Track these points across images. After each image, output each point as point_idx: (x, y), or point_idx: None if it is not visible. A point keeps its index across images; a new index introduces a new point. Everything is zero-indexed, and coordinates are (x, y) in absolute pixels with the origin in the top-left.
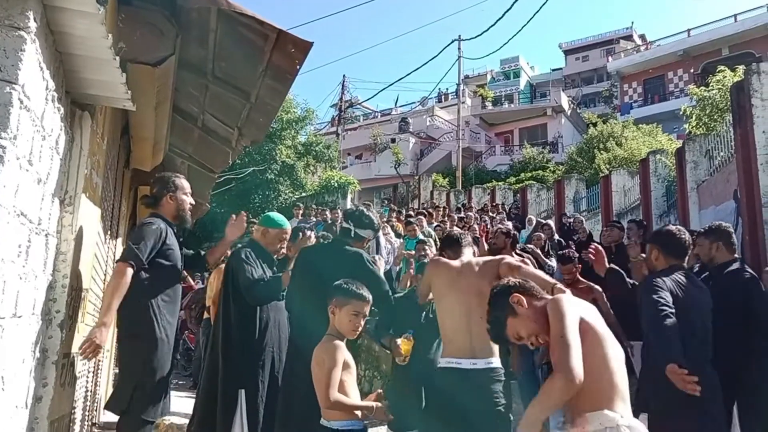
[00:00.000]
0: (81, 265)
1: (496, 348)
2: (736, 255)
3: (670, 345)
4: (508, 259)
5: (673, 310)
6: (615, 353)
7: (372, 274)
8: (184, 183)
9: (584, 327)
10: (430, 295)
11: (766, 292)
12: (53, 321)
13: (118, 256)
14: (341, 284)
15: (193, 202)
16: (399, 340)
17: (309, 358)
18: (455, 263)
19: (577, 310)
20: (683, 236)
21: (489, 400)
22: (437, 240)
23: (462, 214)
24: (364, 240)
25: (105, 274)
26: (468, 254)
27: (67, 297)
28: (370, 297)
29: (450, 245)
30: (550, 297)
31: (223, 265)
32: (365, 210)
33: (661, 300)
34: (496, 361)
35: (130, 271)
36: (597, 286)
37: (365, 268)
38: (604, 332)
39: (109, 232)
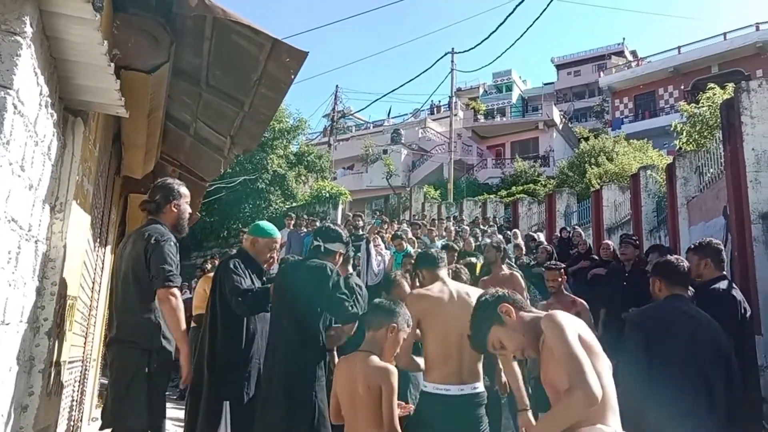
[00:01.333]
0: (70, 273)
1: (481, 370)
2: (723, 272)
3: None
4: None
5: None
6: (605, 366)
7: (333, 288)
8: (186, 191)
9: (582, 342)
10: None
11: (742, 315)
12: (41, 329)
13: (110, 265)
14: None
15: (191, 211)
16: None
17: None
18: (437, 293)
19: (575, 326)
20: (682, 264)
21: (475, 425)
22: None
23: (458, 227)
24: (334, 254)
25: (93, 282)
26: (445, 276)
27: (56, 305)
28: None
29: (426, 264)
30: (542, 313)
31: (211, 274)
32: (332, 225)
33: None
34: (480, 386)
35: (178, 292)
36: (581, 300)
37: (326, 282)
38: (596, 346)
39: (98, 240)
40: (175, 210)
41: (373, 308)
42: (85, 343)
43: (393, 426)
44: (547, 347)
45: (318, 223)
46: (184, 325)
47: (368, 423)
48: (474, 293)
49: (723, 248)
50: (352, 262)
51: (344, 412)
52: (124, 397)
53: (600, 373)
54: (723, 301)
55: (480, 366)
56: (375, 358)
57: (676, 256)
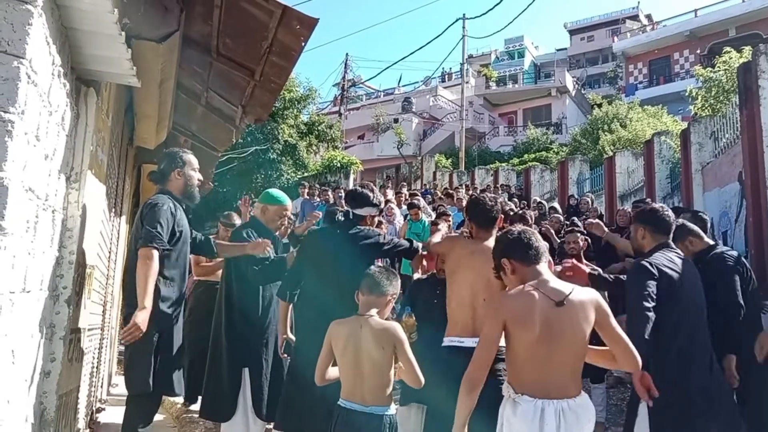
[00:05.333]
0: (87, 242)
1: None
2: (710, 241)
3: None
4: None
5: (653, 305)
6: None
7: (379, 247)
8: (191, 158)
9: (508, 329)
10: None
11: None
12: (60, 297)
13: (125, 234)
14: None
15: (201, 178)
16: (404, 318)
17: (320, 342)
18: (471, 242)
19: (509, 313)
20: (667, 212)
21: (490, 377)
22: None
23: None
24: (364, 218)
25: (110, 252)
26: (491, 237)
27: (74, 273)
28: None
29: (485, 224)
30: (540, 266)
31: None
32: (359, 189)
33: (645, 293)
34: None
35: (156, 254)
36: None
37: (369, 246)
38: (529, 332)
39: (113, 210)
40: (180, 177)
41: (377, 274)
42: (104, 311)
43: (417, 374)
44: None
45: (330, 193)
46: (152, 284)
47: (378, 383)
48: (582, 293)
49: (735, 216)
50: None
51: (345, 375)
52: (129, 364)
53: (519, 361)
54: (730, 269)
55: None
56: (379, 320)
57: (660, 204)
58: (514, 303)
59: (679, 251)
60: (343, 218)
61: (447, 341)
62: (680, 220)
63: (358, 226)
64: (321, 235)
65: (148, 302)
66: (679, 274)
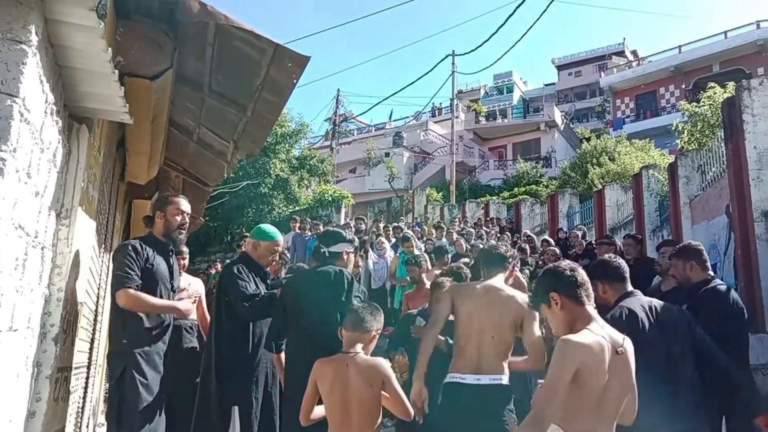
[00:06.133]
0: (76, 279)
1: (505, 366)
2: (710, 272)
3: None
4: (533, 313)
5: None
6: (597, 400)
7: (349, 293)
8: (177, 200)
9: (578, 377)
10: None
11: (739, 309)
12: (48, 335)
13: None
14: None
15: (186, 221)
16: (397, 355)
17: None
18: (480, 287)
19: (580, 358)
20: (617, 260)
21: (494, 418)
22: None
23: (481, 229)
24: (340, 255)
25: (98, 288)
26: (500, 278)
27: (62, 311)
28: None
29: (491, 264)
30: (591, 315)
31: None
32: (331, 228)
33: None
34: (505, 379)
35: (131, 291)
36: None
37: (341, 288)
38: (595, 381)
39: (103, 246)
40: (160, 220)
41: (361, 310)
42: (90, 349)
43: (406, 407)
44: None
45: (321, 228)
46: (155, 300)
47: (366, 422)
48: (512, 296)
49: (703, 249)
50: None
51: (332, 414)
52: (108, 404)
53: (578, 407)
54: (724, 302)
55: (503, 363)
56: (365, 357)
57: (608, 255)
58: (591, 349)
59: (641, 297)
60: (321, 259)
61: (449, 377)
62: (692, 243)
63: (333, 265)
64: (296, 278)
65: (170, 303)
66: (658, 321)
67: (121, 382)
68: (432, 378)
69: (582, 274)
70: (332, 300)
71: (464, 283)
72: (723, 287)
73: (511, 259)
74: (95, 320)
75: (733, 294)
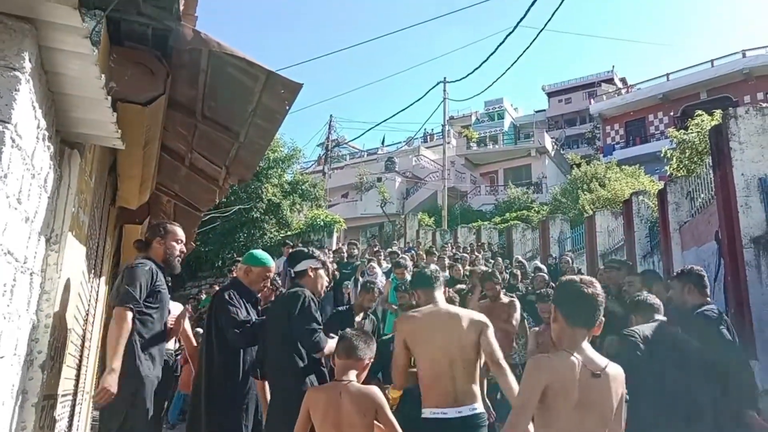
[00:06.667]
0: (64, 305)
1: (478, 392)
2: (708, 298)
3: None
4: (491, 330)
5: None
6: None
7: (299, 317)
8: (176, 230)
9: (545, 396)
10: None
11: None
12: (34, 362)
13: (104, 296)
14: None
15: (184, 250)
16: (389, 387)
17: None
18: (427, 314)
19: (547, 379)
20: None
21: None
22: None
23: (469, 254)
24: (305, 272)
25: (87, 314)
26: (440, 297)
27: (50, 337)
28: None
29: (422, 285)
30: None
31: None
32: (294, 249)
33: None
34: (479, 406)
35: (130, 315)
36: None
37: (293, 309)
38: (562, 399)
39: (93, 271)
40: (161, 246)
41: (354, 338)
42: (78, 376)
43: None
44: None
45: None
46: (122, 346)
47: None
48: (466, 315)
49: (705, 275)
50: (375, 288)
51: None
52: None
53: (547, 428)
54: (715, 327)
55: (476, 387)
56: (358, 385)
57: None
58: (555, 367)
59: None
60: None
61: (429, 413)
62: (694, 267)
63: (299, 285)
64: (271, 304)
65: (117, 364)
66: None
67: (130, 405)
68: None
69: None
70: (286, 322)
71: (408, 315)
72: (714, 314)
73: (437, 279)
74: (82, 346)
75: (726, 322)
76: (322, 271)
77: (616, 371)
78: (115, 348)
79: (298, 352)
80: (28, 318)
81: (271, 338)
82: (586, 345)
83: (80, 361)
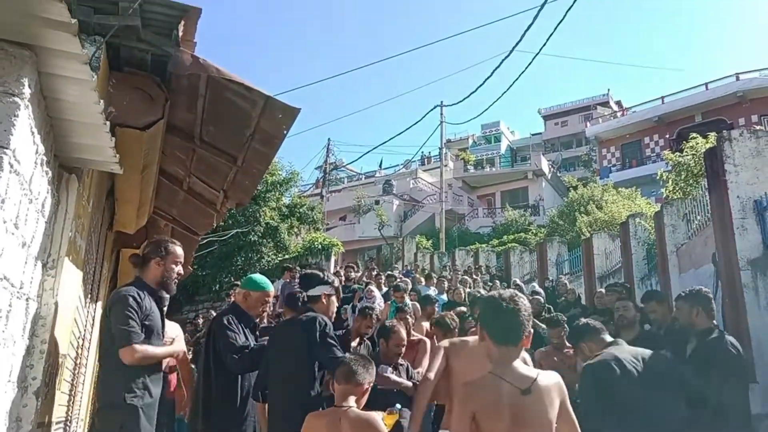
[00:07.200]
0: (60, 331)
1: None
2: (714, 321)
3: None
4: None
5: None
6: None
7: (321, 343)
8: (177, 250)
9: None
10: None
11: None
12: (29, 388)
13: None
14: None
15: (182, 272)
16: (383, 414)
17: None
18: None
19: (474, 405)
20: (593, 323)
21: None
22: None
23: (469, 277)
24: (319, 299)
25: (83, 339)
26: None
27: (45, 363)
28: None
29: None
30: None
31: None
32: (309, 271)
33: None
34: None
35: (139, 347)
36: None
37: (314, 336)
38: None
39: (89, 296)
40: (159, 267)
41: (353, 363)
42: (71, 402)
43: None
44: None
45: None
46: (158, 350)
47: None
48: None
49: (712, 296)
50: (372, 314)
51: None
52: None
53: None
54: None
55: None
56: (357, 411)
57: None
58: (480, 392)
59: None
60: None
61: None
62: (703, 289)
63: (312, 309)
64: (279, 327)
65: (170, 349)
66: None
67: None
68: None
69: (509, 311)
70: (305, 348)
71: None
72: (727, 339)
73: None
74: (77, 372)
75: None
76: (334, 298)
77: (549, 382)
78: (156, 354)
79: (312, 377)
80: (24, 344)
81: (280, 361)
82: (517, 362)
83: (74, 387)
